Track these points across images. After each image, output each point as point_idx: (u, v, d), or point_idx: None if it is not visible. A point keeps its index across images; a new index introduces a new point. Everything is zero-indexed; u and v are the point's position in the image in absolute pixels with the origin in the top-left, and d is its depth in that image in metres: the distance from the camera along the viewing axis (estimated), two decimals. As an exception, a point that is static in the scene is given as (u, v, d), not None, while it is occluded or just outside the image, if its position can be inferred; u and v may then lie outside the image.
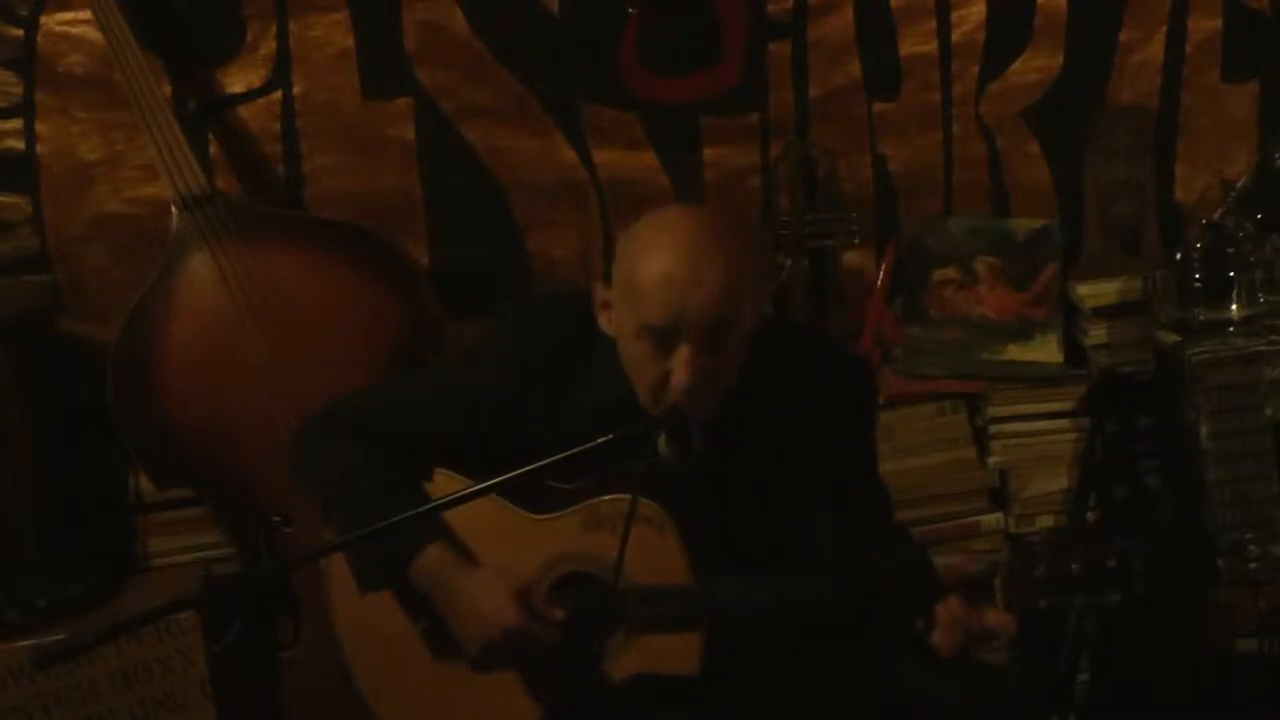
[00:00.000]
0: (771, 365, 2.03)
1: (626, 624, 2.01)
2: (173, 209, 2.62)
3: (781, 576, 2.00)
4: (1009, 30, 2.96)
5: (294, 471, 2.19)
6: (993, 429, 2.91)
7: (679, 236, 1.90)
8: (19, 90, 2.73)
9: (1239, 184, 2.89)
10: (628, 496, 1.89)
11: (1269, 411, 2.63)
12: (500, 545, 2.04)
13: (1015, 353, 2.93)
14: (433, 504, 1.89)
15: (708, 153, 2.92)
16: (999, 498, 2.94)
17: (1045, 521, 2.90)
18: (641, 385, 1.95)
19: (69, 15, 2.70)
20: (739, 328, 1.92)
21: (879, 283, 2.98)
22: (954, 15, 2.94)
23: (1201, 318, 2.71)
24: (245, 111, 2.81)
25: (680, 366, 1.88)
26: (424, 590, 2.01)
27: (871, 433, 2.25)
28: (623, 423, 1.90)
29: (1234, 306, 2.71)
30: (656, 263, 1.88)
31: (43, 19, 2.71)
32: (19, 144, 2.75)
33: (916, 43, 2.94)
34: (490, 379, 2.09)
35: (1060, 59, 2.97)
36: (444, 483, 2.08)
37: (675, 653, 2.00)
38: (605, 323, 2.01)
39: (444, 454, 2.09)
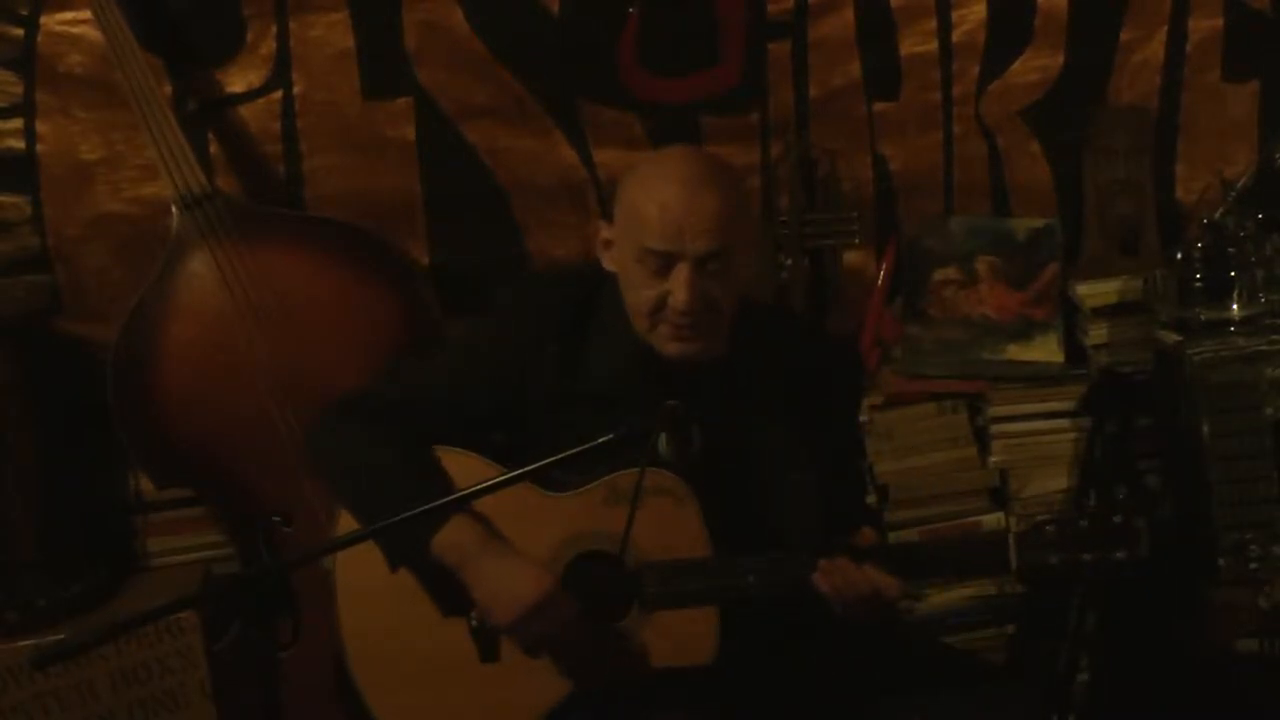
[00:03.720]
0: (762, 348, 2.12)
1: (642, 602, 2.02)
2: (173, 209, 2.63)
3: (799, 553, 2.03)
4: (1009, 30, 2.96)
5: (311, 464, 2.23)
6: (993, 429, 2.91)
7: (679, 168, 2.03)
8: (19, 90, 2.73)
9: (1239, 184, 2.89)
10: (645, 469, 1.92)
11: (1269, 411, 2.62)
12: (521, 523, 2.06)
13: (1015, 352, 2.93)
14: (452, 496, 1.92)
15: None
16: (999, 497, 2.94)
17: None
18: (641, 308, 2.03)
19: (69, 15, 2.70)
20: (734, 258, 2.02)
21: (879, 283, 2.97)
22: (954, 15, 2.94)
23: (1202, 317, 2.71)
24: (245, 111, 2.81)
25: (679, 285, 1.98)
26: (448, 564, 2.02)
27: (855, 416, 2.36)
28: (625, 387, 2.02)
29: (1234, 306, 2.70)
30: (657, 192, 2.00)
31: (43, 19, 2.71)
32: (19, 144, 2.75)
33: (917, 42, 2.94)
34: (494, 354, 2.15)
35: (1060, 59, 2.97)
36: (451, 460, 2.10)
37: (691, 640, 2.01)
38: (608, 261, 2.11)
39: (458, 429, 2.12)
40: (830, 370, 2.21)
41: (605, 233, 2.11)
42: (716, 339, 2.06)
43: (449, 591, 2.07)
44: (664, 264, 1.99)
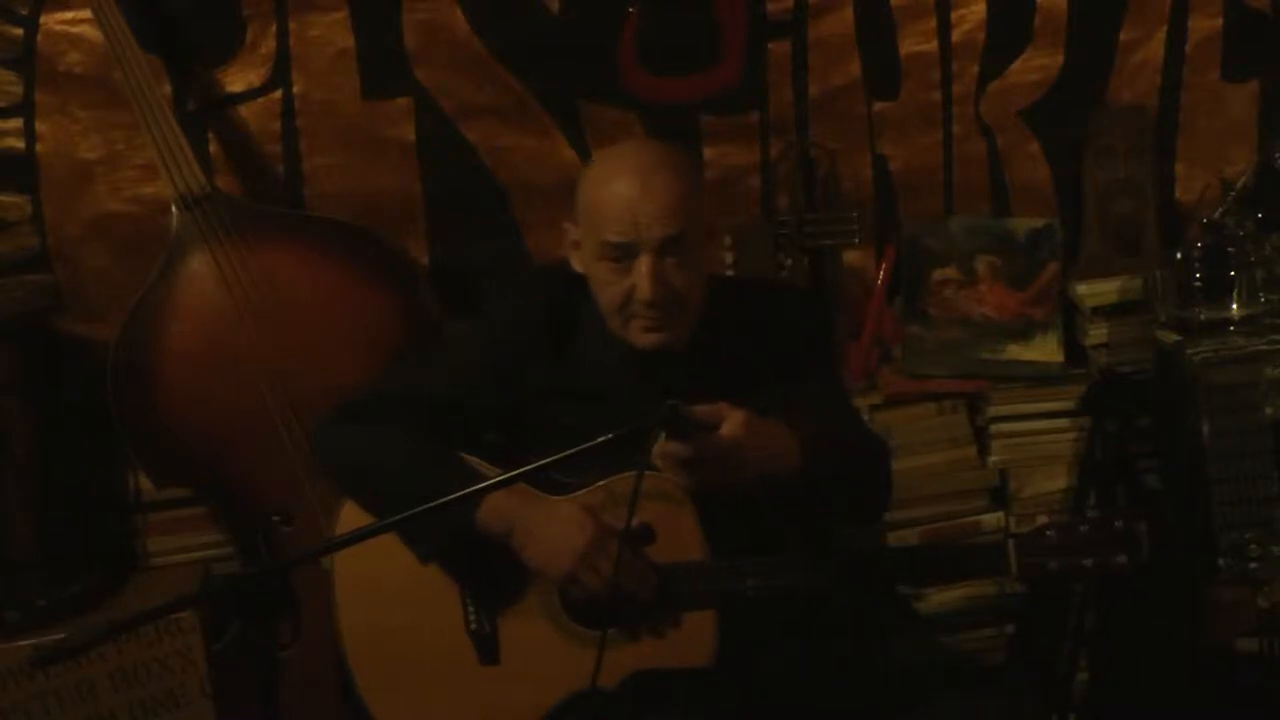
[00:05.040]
0: (735, 318, 2.14)
1: (643, 604, 2.01)
2: (173, 208, 2.62)
3: (798, 556, 2.02)
4: (1009, 30, 2.96)
5: (322, 465, 2.23)
6: (993, 428, 2.91)
7: (631, 160, 2.06)
8: (19, 90, 2.73)
9: (1239, 183, 2.89)
10: (645, 471, 1.90)
11: (1269, 411, 2.62)
12: None
13: (1015, 352, 2.93)
14: (448, 497, 1.88)
15: (708, 152, 2.92)
16: (999, 497, 2.94)
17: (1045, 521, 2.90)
18: (609, 306, 2.06)
19: (69, 15, 2.70)
20: (694, 243, 2.04)
21: (879, 283, 2.98)
22: (954, 14, 2.94)
23: (1202, 317, 2.71)
24: (245, 111, 2.81)
25: (642, 277, 2.01)
26: (496, 531, 2.01)
27: (833, 362, 2.36)
28: (616, 383, 2.04)
29: (1234, 306, 2.70)
30: (610, 184, 2.03)
31: (43, 18, 2.71)
32: (19, 143, 2.75)
33: (917, 42, 2.94)
34: (487, 353, 2.16)
35: (1060, 59, 2.97)
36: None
37: (690, 641, 2.01)
38: (577, 262, 2.12)
39: (455, 427, 2.12)
40: (800, 319, 2.22)
41: (573, 234, 2.12)
42: (687, 327, 2.08)
43: (481, 578, 2.07)
44: (624, 256, 2.01)
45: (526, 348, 2.14)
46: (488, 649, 2.09)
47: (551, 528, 2.00)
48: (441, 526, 2.02)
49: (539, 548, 2.00)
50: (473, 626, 2.09)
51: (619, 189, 2.01)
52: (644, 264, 2.00)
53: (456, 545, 2.04)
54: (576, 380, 2.12)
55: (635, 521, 1.92)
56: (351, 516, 2.13)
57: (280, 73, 2.80)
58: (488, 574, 2.06)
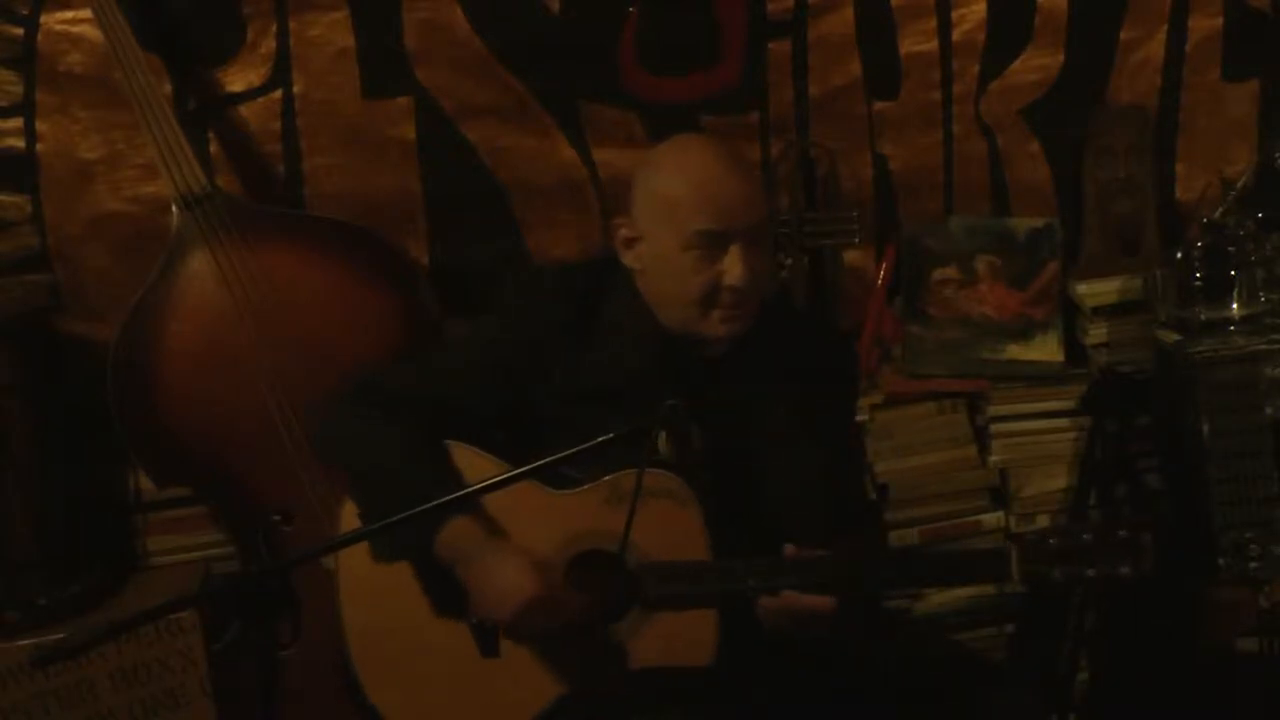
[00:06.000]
0: (773, 336, 2.13)
1: (642, 603, 2.02)
2: (173, 208, 2.62)
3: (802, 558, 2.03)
4: (1009, 29, 2.96)
5: (318, 446, 2.26)
6: (993, 428, 2.91)
7: (709, 150, 2.09)
8: (19, 89, 2.73)
9: (1239, 183, 2.89)
10: (648, 470, 1.91)
11: (1269, 411, 2.62)
12: (522, 521, 2.06)
13: (1015, 352, 2.93)
14: (454, 495, 1.92)
15: (708, 151, 2.92)
16: (999, 497, 2.94)
17: (1045, 520, 2.91)
18: (690, 296, 2.04)
19: (69, 14, 2.70)
20: (767, 232, 2.11)
21: (879, 282, 2.98)
22: (954, 14, 2.94)
23: (1202, 317, 2.71)
24: (245, 111, 2.81)
25: (736, 263, 2.01)
26: (447, 561, 2.03)
27: (851, 413, 2.40)
28: (643, 382, 2.04)
29: (1234, 305, 2.70)
30: (696, 175, 2.04)
31: (43, 18, 2.71)
32: (19, 143, 2.75)
33: (917, 41, 2.94)
34: (501, 351, 2.15)
35: (1060, 58, 2.97)
36: (460, 456, 2.10)
37: (690, 641, 2.01)
38: (631, 259, 2.11)
39: (463, 425, 2.12)
40: (829, 363, 2.22)
41: (626, 230, 2.11)
42: (755, 312, 2.09)
43: (445, 588, 2.07)
44: (716, 245, 2.01)
45: (541, 348, 2.13)
46: (489, 643, 2.09)
47: (494, 578, 2.00)
48: (403, 537, 2.02)
49: (480, 593, 2.01)
50: (474, 619, 2.09)
51: (709, 179, 2.03)
52: (736, 251, 2.02)
53: (409, 555, 2.06)
54: (596, 382, 2.10)
55: (629, 534, 1.91)
56: (353, 515, 2.13)
57: (280, 72, 2.80)
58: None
